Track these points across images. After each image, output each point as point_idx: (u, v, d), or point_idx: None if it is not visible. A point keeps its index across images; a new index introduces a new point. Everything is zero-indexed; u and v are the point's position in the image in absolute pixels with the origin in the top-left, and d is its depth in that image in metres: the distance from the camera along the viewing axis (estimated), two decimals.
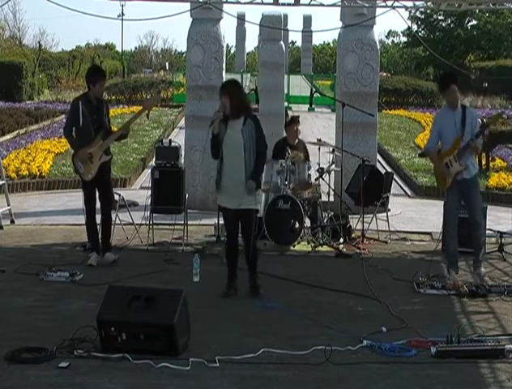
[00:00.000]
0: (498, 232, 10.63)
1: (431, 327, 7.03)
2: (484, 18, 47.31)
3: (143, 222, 10.78)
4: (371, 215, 11.23)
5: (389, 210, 11.83)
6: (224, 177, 8.03)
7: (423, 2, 13.59)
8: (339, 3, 12.88)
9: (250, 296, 8.07)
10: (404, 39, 59.45)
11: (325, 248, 10.53)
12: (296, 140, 11.27)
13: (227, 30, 13.58)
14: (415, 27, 50.79)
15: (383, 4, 12.70)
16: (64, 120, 21.97)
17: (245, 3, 12.76)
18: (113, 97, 31.26)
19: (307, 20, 48.61)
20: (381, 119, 21.09)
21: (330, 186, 11.14)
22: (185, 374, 5.83)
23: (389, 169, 15.93)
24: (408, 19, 48.68)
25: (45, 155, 16.89)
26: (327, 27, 65.32)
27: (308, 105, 28.64)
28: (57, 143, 18.50)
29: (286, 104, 25.41)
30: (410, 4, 13.38)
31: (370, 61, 13.22)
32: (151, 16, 21.13)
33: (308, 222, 10.88)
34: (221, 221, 10.77)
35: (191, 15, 13.28)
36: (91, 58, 45.16)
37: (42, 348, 6.15)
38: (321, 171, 11.05)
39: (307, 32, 46.66)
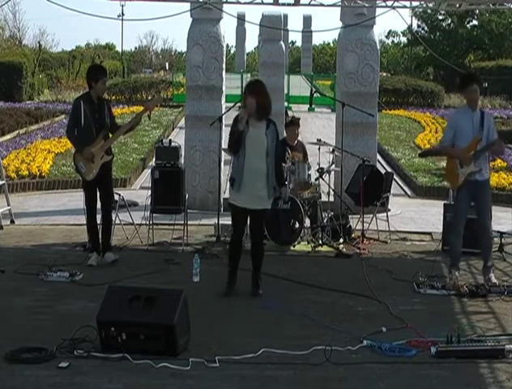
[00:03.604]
0: (498, 232, 10.63)
1: (431, 327, 7.04)
2: (485, 17, 47.27)
3: (143, 222, 10.79)
4: (371, 215, 11.24)
5: (389, 210, 11.83)
6: (245, 177, 7.97)
7: (423, 2, 13.58)
8: (339, 3, 12.88)
9: (250, 295, 8.09)
10: (404, 39, 59.55)
11: (325, 248, 10.53)
12: (296, 141, 11.27)
13: (227, 30, 13.60)
14: (415, 26, 50.82)
15: (383, 4, 12.71)
16: (64, 120, 22.06)
17: (245, 3, 12.76)
18: (113, 97, 31.24)
19: (307, 20, 48.59)
20: (381, 119, 21.09)
21: (330, 186, 11.14)
22: (185, 374, 5.83)
23: (389, 169, 15.93)
24: (410, 16, 48.76)
25: (45, 155, 16.89)
26: (327, 27, 65.42)
27: (308, 105, 28.61)
28: (57, 143, 18.50)
29: (286, 104, 25.42)
30: (410, 4, 13.37)
31: (370, 62, 13.23)
32: (151, 16, 21.12)
33: (308, 222, 10.88)
34: (222, 221, 10.84)
35: (191, 15, 13.28)
36: (91, 58, 45.16)
37: (42, 348, 6.15)
38: (321, 171, 11.06)
39: (307, 32, 46.64)
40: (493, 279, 8.71)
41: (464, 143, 8.67)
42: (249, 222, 8.36)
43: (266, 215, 8.44)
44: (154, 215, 10.64)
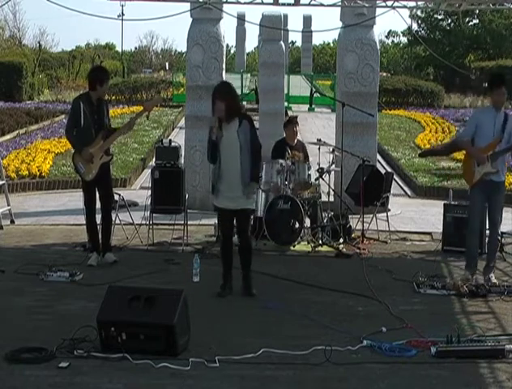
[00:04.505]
0: None
1: (431, 327, 7.04)
2: (487, 16, 47.25)
3: (143, 222, 10.78)
4: (371, 215, 11.23)
5: (389, 210, 11.83)
6: (222, 180, 8.06)
7: (423, 2, 13.58)
8: (339, 3, 12.89)
9: (244, 295, 8.09)
10: (404, 39, 59.57)
11: (325, 248, 10.53)
12: (295, 141, 11.27)
13: (227, 30, 13.60)
14: (415, 27, 50.82)
15: (383, 4, 12.71)
16: (64, 120, 22.03)
17: (245, 3, 12.76)
18: (113, 97, 31.24)
19: (307, 20, 48.59)
20: (381, 119, 21.08)
21: (330, 186, 11.14)
22: (185, 374, 5.83)
23: (389, 169, 15.93)
24: (409, 17, 48.77)
25: (45, 155, 16.89)
26: (327, 27, 65.37)
27: (308, 105, 28.61)
28: (57, 143, 18.49)
29: (286, 104, 25.42)
30: (410, 4, 13.37)
31: (370, 62, 13.22)
32: (151, 16, 21.11)
33: (308, 222, 10.88)
34: None
35: (191, 15, 13.28)
36: (91, 58, 45.18)
37: (42, 348, 6.15)
38: (321, 171, 11.05)
39: (307, 32, 46.62)
40: (493, 279, 8.71)
41: (483, 142, 8.63)
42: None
43: (250, 215, 8.48)
44: (154, 215, 10.64)
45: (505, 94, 8.70)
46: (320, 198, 11.03)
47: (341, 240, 10.74)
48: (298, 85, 34.84)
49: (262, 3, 12.74)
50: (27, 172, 15.37)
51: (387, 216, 11.41)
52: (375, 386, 5.73)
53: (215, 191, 8.16)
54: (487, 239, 9.71)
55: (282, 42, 17.84)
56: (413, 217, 13.15)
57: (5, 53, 37.60)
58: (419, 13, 48.34)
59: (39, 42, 47.19)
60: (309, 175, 10.76)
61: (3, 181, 12.16)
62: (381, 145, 19.22)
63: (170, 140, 10.92)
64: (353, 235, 11.08)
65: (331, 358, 6.07)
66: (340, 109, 12.31)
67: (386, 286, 8.67)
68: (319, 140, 11.33)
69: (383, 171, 12.98)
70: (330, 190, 11.13)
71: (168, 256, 9.82)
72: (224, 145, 8.04)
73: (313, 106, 28.36)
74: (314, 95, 21.98)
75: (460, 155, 14.47)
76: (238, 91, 30.49)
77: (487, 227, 10.34)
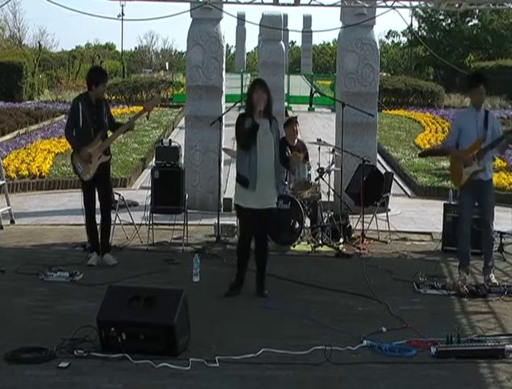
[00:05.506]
0: (498, 232, 10.62)
1: (431, 327, 7.04)
2: (487, 16, 47.23)
3: (143, 222, 10.79)
4: (371, 215, 11.24)
5: (389, 210, 11.83)
6: (259, 175, 7.96)
7: (423, 2, 13.58)
8: (339, 3, 12.89)
9: (256, 295, 8.07)
10: (404, 39, 59.58)
11: (325, 248, 10.53)
12: (296, 140, 11.26)
13: (227, 30, 13.60)
14: (416, 26, 50.84)
15: (383, 4, 12.71)
16: (64, 120, 22.02)
17: (245, 3, 12.76)
18: (113, 97, 31.23)
19: (307, 20, 48.60)
20: (381, 119, 21.08)
21: (330, 186, 11.14)
22: (185, 374, 5.83)
23: (389, 169, 15.93)
24: (410, 16, 48.80)
25: (45, 155, 16.90)
26: (327, 27, 65.42)
27: (308, 105, 28.60)
28: (57, 143, 18.49)
29: (286, 104, 25.41)
30: (410, 4, 13.37)
31: (370, 62, 13.23)
32: (151, 16, 21.12)
33: (308, 222, 10.88)
34: (222, 221, 10.84)
35: (191, 15, 13.28)
36: (91, 58, 45.18)
37: (42, 348, 6.15)
38: (321, 171, 11.05)
39: (307, 32, 46.64)
40: (493, 280, 8.71)
41: (468, 142, 8.69)
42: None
43: (273, 215, 8.44)
44: (154, 215, 10.64)
45: (483, 92, 8.76)
46: (320, 198, 11.03)
47: (341, 240, 10.74)
48: (298, 85, 34.84)
49: (262, 3, 12.74)
50: (27, 172, 15.38)
51: (387, 216, 11.41)
52: (375, 386, 5.73)
53: (250, 186, 7.96)
54: None
55: (282, 42, 17.88)
56: (413, 217, 13.15)
57: (5, 53, 37.59)
58: (421, 12, 48.29)
59: (39, 42, 47.26)
60: (309, 175, 10.77)
61: (3, 181, 12.16)
62: (381, 145, 19.22)
63: (170, 140, 10.92)
64: (353, 235, 11.08)
65: (331, 358, 6.08)
66: (340, 109, 12.31)
67: (386, 286, 8.67)
68: (319, 140, 11.33)
69: (383, 171, 12.98)
70: (330, 190, 11.13)
71: (168, 256, 9.82)
72: (260, 139, 7.97)
73: (313, 106, 28.35)
74: (314, 95, 21.94)
75: None
76: (238, 91, 30.58)
77: None
